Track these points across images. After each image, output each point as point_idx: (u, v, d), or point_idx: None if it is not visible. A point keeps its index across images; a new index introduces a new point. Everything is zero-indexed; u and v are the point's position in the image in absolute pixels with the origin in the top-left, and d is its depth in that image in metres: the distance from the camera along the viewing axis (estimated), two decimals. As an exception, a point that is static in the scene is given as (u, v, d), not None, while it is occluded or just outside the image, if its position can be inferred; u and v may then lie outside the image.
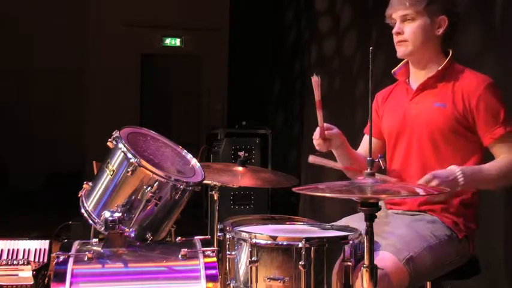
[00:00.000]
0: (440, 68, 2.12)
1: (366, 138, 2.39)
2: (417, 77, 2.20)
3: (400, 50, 2.16)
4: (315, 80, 2.02)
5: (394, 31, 2.15)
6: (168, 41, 8.85)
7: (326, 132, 2.15)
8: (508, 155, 2.03)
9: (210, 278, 1.89)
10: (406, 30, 2.12)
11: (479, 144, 2.09)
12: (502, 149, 2.04)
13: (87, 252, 1.90)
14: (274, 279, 1.82)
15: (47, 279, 2.82)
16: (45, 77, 8.25)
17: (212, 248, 1.98)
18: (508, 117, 2.04)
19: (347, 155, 2.26)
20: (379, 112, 2.35)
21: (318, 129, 2.16)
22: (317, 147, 2.19)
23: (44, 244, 2.98)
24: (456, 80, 2.10)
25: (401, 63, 2.26)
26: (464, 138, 2.07)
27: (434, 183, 1.87)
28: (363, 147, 2.39)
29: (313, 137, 2.18)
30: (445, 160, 2.06)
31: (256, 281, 1.85)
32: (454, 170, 1.93)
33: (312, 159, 2.08)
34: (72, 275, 1.85)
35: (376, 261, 1.63)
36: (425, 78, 2.15)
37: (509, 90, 2.46)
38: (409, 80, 2.24)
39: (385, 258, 1.86)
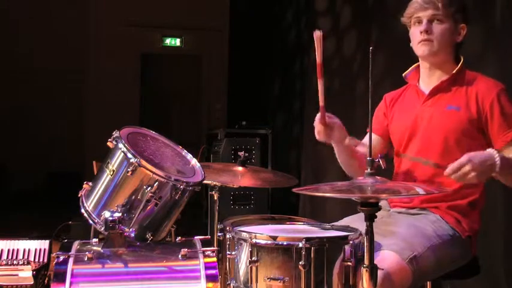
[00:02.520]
0: (454, 71, 2.15)
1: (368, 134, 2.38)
2: (429, 80, 2.22)
3: (424, 49, 2.15)
4: (317, 35, 1.88)
5: (421, 29, 2.14)
6: (168, 41, 8.85)
7: (327, 119, 2.07)
8: None
9: (210, 278, 1.89)
10: (435, 30, 2.13)
11: (491, 148, 2.08)
12: None
13: (87, 252, 1.90)
14: (274, 279, 1.82)
15: (47, 279, 2.83)
16: (45, 77, 8.25)
17: (212, 248, 1.98)
18: None
19: (348, 151, 2.24)
20: (387, 113, 2.35)
21: (319, 114, 2.09)
22: (317, 135, 2.13)
23: (44, 244, 2.98)
24: (469, 84, 2.13)
25: (411, 67, 2.27)
26: (477, 141, 2.08)
27: (467, 168, 1.81)
28: (366, 144, 2.38)
29: (314, 123, 2.12)
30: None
31: (257, 281, 1.85)
32: (493, 154, 1.87)
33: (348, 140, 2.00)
34: (72, 275, 1.85)
35: (380, 261, 1.63)
36: (439, 82, 2.17)
37: (509, 90, 2.46)
38: (419, 84, 2.25)
39: (388, 258, 1.86)
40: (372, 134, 2.32)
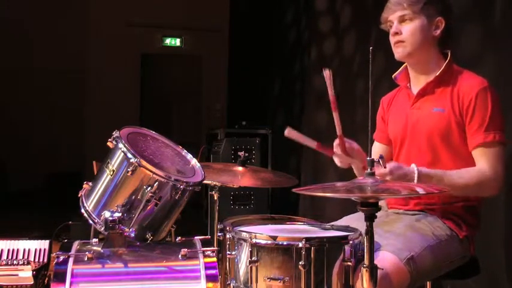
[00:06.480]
0: (438, 73, 2.12)
1: (376, 145, 2.37)
2: (417, 81, 2.20)
3: (398, 52, 2.15)
4: (327, 74, 1.90)
5: (392, 31, 2.15)
6: (168, 41, 8.86)
7: (347, 145, 2.09)
8: (482, 166, 2.01)
9: (210, 278, 1.89)
10: (404, 31, 2.12)
11: None
12: (479, 158, 2.02)
13: (87, 252, 1.90)
14: (274, 279, 1.82)
15: (47, 279, 2.82)
16: (45, 77, 8.25)
17: (212, 248, 1.98)
18: (493, 126, 2.01)
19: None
20: (384, 117, 2.35)
21: (336, 142, 2.09)
22: (338, 164, 2.16)
23: (44, 244, 2.98)
24: (454, 84, 2.10)
25: (401, 67, 2.26)
26: (463, 141, 2.07)
27: (387, 178, 1.87)
28: (374, 155, 2.37)
29: (334, 151, 2.13)
30: (445, 165, 2.07)
31: (256, 281, 1.85)
32: (413, 170, 1.91)
33: (288, 132, 2.00)
34: (72, 275, 1.84)
35: (377, 261, 1.63)
36: (425, 84, 2.15)
37: (507, 90, 2.46)
38: (410, 85, 2.24)
39: (386, 258, 1.86)
40: (378, 144, 2.34)
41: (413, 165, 1.93)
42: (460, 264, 2.09)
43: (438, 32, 2.12)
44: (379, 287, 1.63)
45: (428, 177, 1.93)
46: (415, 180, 1.91)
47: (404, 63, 2.24)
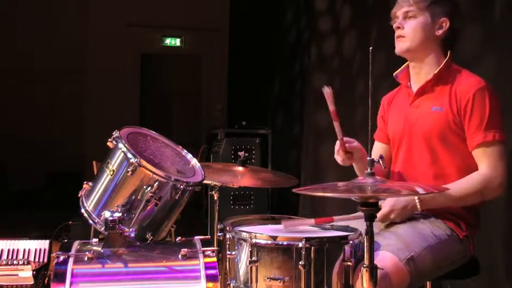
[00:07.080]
0: (436, 71, 2.12)
1: (376, 144, 2.38)
2: (417, 79, 2.20)
3: (398, 46, 2.17)
4: (327, 91, 1.95)
5: (394, 25, 2.17)
6: (168, 41, 8.85)
7: (347, 145, 2.13)
8: (483, 168, 2.02)
9: (210, 278, 1.89)
10: (406, 26, 2.14)
11: None
12: (480, 158, 2.03)
13: (87, 252, 1.91)
14: (274, 279, 1.83)
15: (47, 279, 2.82)
16: (45, 77, 8.25)
17: (212, 248, 1.98)
18: (493, 125, 2.01)
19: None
20: (384, 116, 2.35)
21: (337, 143, 2.14)
22: (340, 163, 2.20)
23: (44, 244, 2.98)
24: (453, 83, 2.10)
25: (402, 66, 2.26)
26: (462, 141, 2.07)
27: (392, 216, 2.00)
28: (374, 155, 2.38)
29: (335, 152, 2.18)
30: (444, 164, 2.07)
31: (256, 281, 1.85)
32: (413, 197, 1.97)
33: (284, 225, 2.07)
34: (72, 275, 1.85)
35: (377, 261, 1.63)
36: (424, 82, 2.15)
37: (507, 89, 2.46)
38: (410, 84, 2.24)
39: (385, 258, 1.86)
40: (379, 143, 2.35)
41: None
42: (460, 264, 2.08)
43: (441, 32, 2.13)
44: (379, 287, 1.63)
45: (430, 198, 1.99)
46: (419, 207, 2.00)
47: (406, 61, 2.25)
